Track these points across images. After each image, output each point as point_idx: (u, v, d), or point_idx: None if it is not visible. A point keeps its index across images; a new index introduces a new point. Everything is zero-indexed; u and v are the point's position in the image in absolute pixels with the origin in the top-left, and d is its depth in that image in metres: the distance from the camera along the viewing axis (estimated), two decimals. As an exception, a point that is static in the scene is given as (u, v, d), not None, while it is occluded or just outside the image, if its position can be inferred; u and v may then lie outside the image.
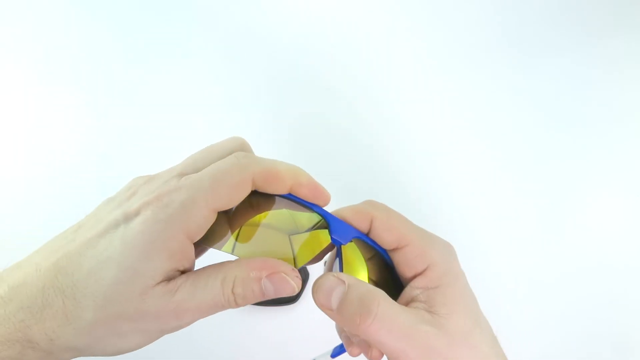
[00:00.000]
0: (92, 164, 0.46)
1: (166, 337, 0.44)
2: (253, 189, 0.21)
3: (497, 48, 0.51)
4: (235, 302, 0.21)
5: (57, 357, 0.20)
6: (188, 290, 0.20)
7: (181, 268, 0.20)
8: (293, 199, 0.22)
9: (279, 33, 0.52)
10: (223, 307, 0.21)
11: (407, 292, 0.23)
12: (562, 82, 0.50)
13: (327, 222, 0.23)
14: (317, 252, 0.24)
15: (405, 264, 0.23)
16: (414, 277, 0.23)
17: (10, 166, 0.46)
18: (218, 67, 0.50)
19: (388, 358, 0.22)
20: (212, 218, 0.20)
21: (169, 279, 0.20)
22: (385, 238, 0.24)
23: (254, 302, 0.21)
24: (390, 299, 0.21)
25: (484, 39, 0.51)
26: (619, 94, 0.50)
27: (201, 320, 0.47)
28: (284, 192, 0.22)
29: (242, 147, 0.23)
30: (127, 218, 0.20)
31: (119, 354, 0.21)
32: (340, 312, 0.21)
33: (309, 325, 0.44)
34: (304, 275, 0.44)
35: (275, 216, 0.23)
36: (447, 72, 0.50)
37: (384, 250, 0.24)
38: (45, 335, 0.19)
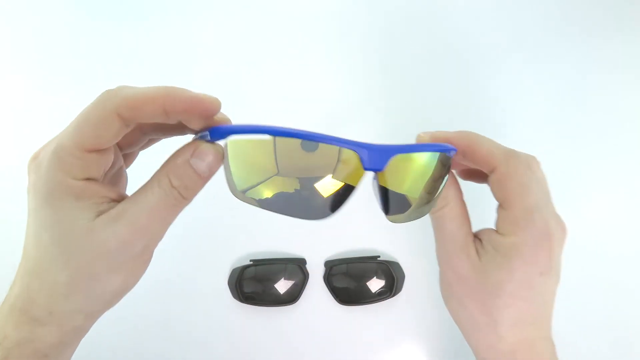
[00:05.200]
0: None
1: (165, 337, 0.44)
2: (130, 122, 0.21)
3: (498, 48, 0.51)
4: (182, 196, 0.21)
5: (68, 326, 0.22)
6: (132, 208, 0.21)
7: (103, 193, 0.21)
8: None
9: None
10: (174, 207, 0.22)
11: None
12: (563, 81, 0.51)
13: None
14: None
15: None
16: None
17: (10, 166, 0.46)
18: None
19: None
20: (93, 156, 0.21)
21: (101, 211, 0.21)
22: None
23: (198, 188, 0.22)
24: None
25: (482, 39, 0.52)
26: (621, 93, 0.50)
27: (200, 319, 0.47)
28: (157, 116, 0.20)
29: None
30: (28, 191, 0.22)
31: (115, 299, 0.23)
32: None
33: (309, 325, 0.45)
34: (304, 275, 0.44)
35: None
36: (444, 74, 0.51)
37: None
38: (44, 311, 0.21)
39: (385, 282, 0.44)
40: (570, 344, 0.45)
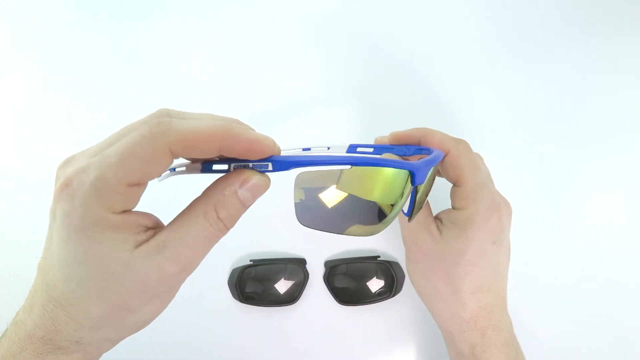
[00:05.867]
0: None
1: (165, 337, 0.44)
2: (178, 157, 0.19)
3: (495, 47, 0.51)
4: (226, 226, 0.21)
5: (95, 352, 0.22)
6: (174, 240, 0.20)
7: (140, 222, 0.20)
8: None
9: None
10: (217, 237, 0.21)
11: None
12: (563, 81, 0.51)
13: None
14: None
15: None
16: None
17: (11, 166, 0.46)
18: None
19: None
20: (134, 190, 0.19)
21: (139, 241, 0.20)
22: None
23: (239, 217, 0.22)
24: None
25: (482, 39, 0.51)
26: (621, 95, 0.50)
27: (200, 319, 0.47)
28: (211, 154, 0.19)
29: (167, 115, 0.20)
30: (53, 216, 0.20)
31: (145, 325, 0.22)
32: None
33: (309, 325, 0.45)
34: (304, 275, 0.44)
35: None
36: (441, 75, 0.51)
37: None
38: (70, 341, 0.20)
39: (385, 282, 0.44)
40: (571, 344, 0.45)
